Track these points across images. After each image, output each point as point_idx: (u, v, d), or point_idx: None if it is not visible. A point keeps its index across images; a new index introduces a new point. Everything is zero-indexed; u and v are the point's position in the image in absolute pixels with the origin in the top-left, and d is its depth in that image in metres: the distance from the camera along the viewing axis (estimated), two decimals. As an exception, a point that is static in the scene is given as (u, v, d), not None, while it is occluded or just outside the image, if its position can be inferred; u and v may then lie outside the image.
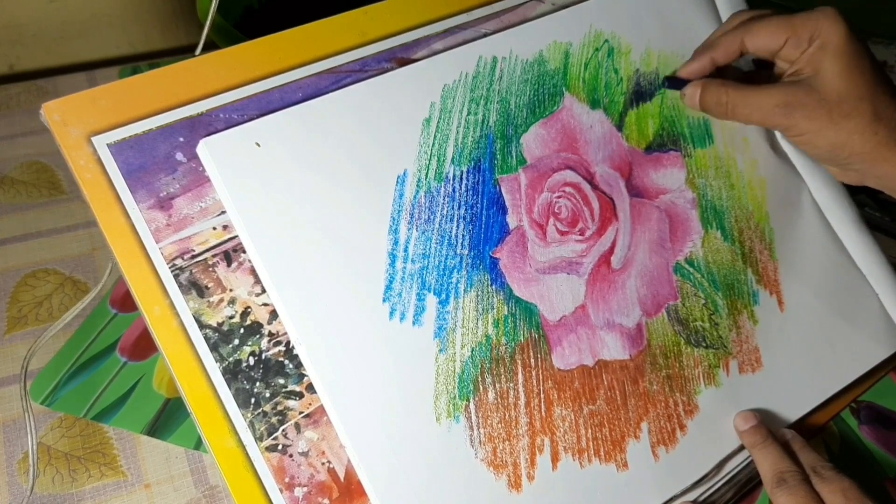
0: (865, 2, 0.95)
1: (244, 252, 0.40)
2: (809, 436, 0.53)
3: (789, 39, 0.45)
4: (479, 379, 0.43)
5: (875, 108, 0.44)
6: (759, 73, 0.51)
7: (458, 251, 0.44)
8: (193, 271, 0.39)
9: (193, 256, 0.39)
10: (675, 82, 0.50)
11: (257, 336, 0.40)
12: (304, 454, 0.40)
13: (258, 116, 0.41)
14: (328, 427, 0.40)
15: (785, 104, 0.45)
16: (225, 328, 0.39)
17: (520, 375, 0.44)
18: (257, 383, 0.39)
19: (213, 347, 0.39)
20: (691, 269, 0.50)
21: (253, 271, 0.40)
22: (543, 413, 0.44)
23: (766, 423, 0.48)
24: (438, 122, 0.44)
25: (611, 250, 0.47)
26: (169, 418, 0.55)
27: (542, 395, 0.44)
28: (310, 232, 0.40)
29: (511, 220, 0.45)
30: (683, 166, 0.51)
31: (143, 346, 0.59)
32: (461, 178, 0.44)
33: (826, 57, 0.44)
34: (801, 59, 0.45)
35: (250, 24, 0.75)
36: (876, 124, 0.44)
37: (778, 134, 0.54)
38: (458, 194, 0.44)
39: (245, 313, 0.40)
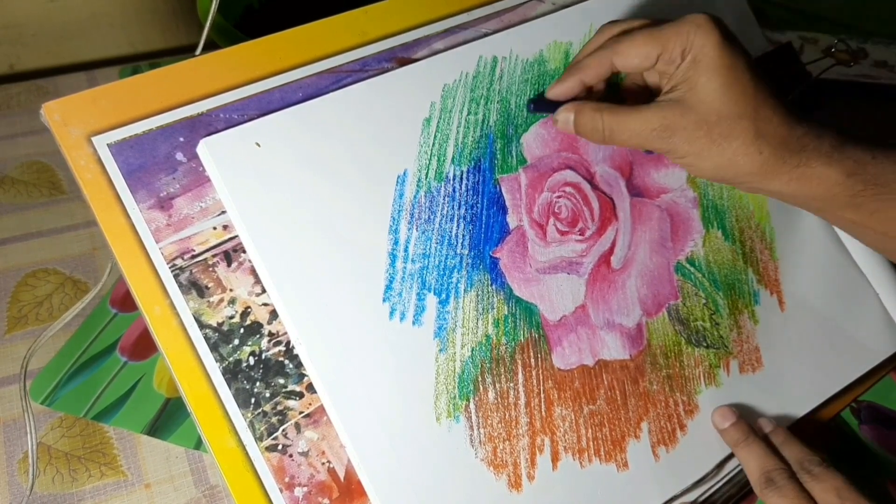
0: (865, 2, 0.95)
1: (244, 252, 0.40)
2: (810, 435, 0.53)
3: (660, 56, 0.42)
4: (480, 379, 0.43)
5: (756, 127, 0.40)
6: (636, 85, 0.47)
7: (459, 251, 0.43)
8: (193, 271, 0.39)
9: (193, 256, 0.39)
10: (544, 105, 0.46)
11: (257, 336, 0.40)
12: (305, 454, 0.40)
13: (258, 116, 0.41)
14: (328, 427, 0.40)
15: (662, 128, 0.41)
16: (225, 328, 0.39)
17: (520, 375, 0.44)
18: (257, 383, 0.39)
19: (214, 347, 0.39)
20: (692, 269, 0.50)
21: (253, 271, 0.40)
22: (543, 413, 0.44)
23: (746, 418, 0.47)
24: (438, 121, 0.44)
25: (611, 250, 0.47)
26: (169, 418, 0.55)
27: (542, 395, 0.44)
28: (310, 232, 0.40)
29: (511, 220, 0.45)
30: (684, 166, 0.51)
31: (144, 345, 0.59)
32: (461, 178, 0.44)
33: (700, 73, 0.40)
34: (675, 76, 0.42)
35: (250, 23, 0.75)
36: (759, 143, 0.40)
37: None
38: (458, 194, 0.44)
39: (245, 313, 0.40)
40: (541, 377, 0.44)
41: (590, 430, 0.45)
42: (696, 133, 0.41)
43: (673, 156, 0.42)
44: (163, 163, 0.40)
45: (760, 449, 0.45)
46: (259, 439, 0.39)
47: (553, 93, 0.45)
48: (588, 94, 0.45)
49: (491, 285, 0.44)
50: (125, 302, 0.62)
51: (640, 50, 0.42)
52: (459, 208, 0.44)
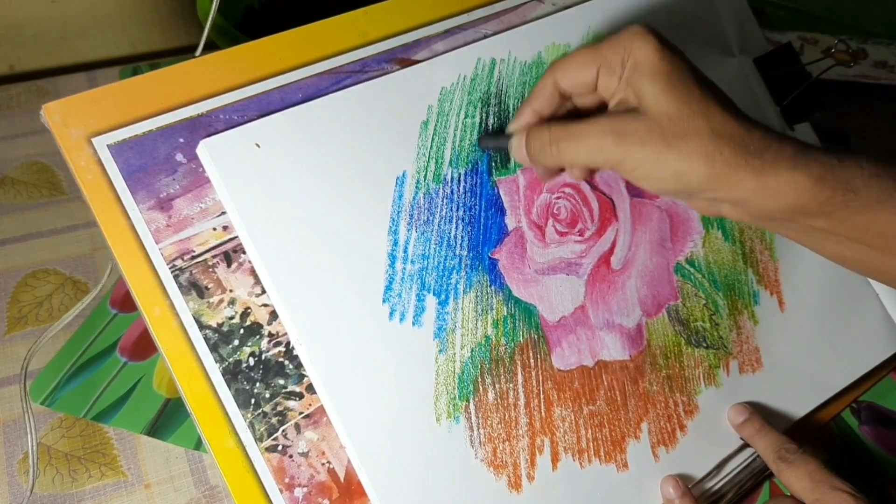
0: (865, 2, 0.95)
1: (244, 253, 0.40)
2: (810, 436, 0.53)
3: (601, 68, 0.40)
4: (479, 379, 0.43)
5: (712, 125, 0.38)
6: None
7: (458, 252, 0.44)
8: (193, 272, 0.39)
9: (193, 257, 0.39)
10: (497, 140, 0.45)
11: (257, 336, 0.40)
12: (304, 455, 0.40)
13: (258, 117, 0.41)
14: (328, 427, 0.40)
15: (613, 131, 0.39)
16: (225, 329, 0.39)
17: (519, 376, 0.44)
18: (257, 384, 0.39)
19: (213, 348, 0.39)
20: (692, 270, 0.50)
21: (253, 272, 0.40)
22: (543, 413, 0.44)
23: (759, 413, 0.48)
24: (436, 125, 0.44)
25: (611, 251, 0.47)
26: (169, 418, 0.55)
27: (541, 396, 0.44)
28: (310, 233, 0.40)
29: (510, 222, 0.45)
30: (684, 166, 0.50)
31: (143, 346, 0.59)
32: (459, 180, 0.44)
33: (643, 79, 0.39)
34: (619, 88, 0.40)
35: (250, 24, 0.75)
36: (717, 142, 0.38)
37: None
38: (456, 196, 0.44)
39: (245, 314, 0.40)
40: (540, 378, 0.44)
41: (589, 431, 0.45)
42: (649, 136, 0.38)
43: (627, 164, 0.39)
44: (163, 164, 0.40)
45: (773, 434, 0.46)
46: (259, 440, 0.39)
47: (510, 128, 0.44)
48: None
49: (490, 286, 0.44)
50: (125, 302, 0.62)
51: (578, 63, 0.41)
52: (458, 210, 0.44)
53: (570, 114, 0.44)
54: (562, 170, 0.46)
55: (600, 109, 0.43)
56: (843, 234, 0.40)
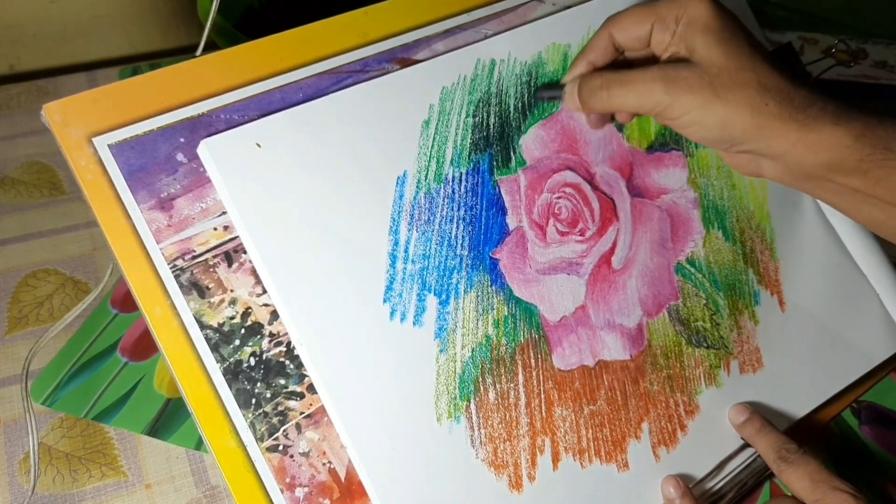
0: (865, 2, 0.95)
1: (245, 252, 0.40)
2: (810, 436, 0.53)
3: (655, 24, 0.43)
4: (480, 379, 0.43)
5: (759, 78, 0.40)
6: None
7: (458, 252, 0.44)
8: (194, 272, 0.39)
9: (194, 257, 0.39)
10: (552, 91, 0.47)
11: (258, 336, 0.40)
12: (305, 454, 0.40)
13: (259, 117, 0.41)
14: (329, 427, 0.40)
15: (663, 77, 0.41)
16: (226, 329, 0.39)
17: (520, 376, 0.44)
18: (258, 384, 0.39)
19: (214, 348, 0.39)
20: (692, 269, 0.50)
21: (254, 272, 0.40)
22: (544, 413, 0.44)
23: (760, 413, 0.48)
24: (437, 124, 0.44)
25: (611, 251, 0.47)
26: (170, 418, 0.55)
27: (542, 396, 0.44)
28: (310, 232, 0.40)
29: (511, 221, 0.45)
30: (685, 166, 0.51)
31: (144, 346, 0.59)
32: (460, 180, 0.44)
33: (696, 33, 0.41)
34: (672, 42, 0.42)
35: (250, 24, 0.75)
36: (764, 95, 0.40)
37: None
38: (457, 196, 0.44)
39: (246, 314, 0.40)
40: (541, 378, 0.44)
41: (590, 431, 0.45)
42: (698, 84, 0.40)
43: (675, 110, 0.41)
44: (163, 163, 0.40)
45: (773, 434, 0.46)
46: (260, 440, 0.39)
47: (565, 78, 0.47)
48: None
49: (491, 286, 0.44)
50: (126, 302, 0.62)
51: (634, 18, 0.43)
52: (459, 209, 0.44)
53: (622, 67, 0.45)
54: (612, 118, 0.48)
55: (651, 64, 0.44)
56: (878, 196, 0.41)
